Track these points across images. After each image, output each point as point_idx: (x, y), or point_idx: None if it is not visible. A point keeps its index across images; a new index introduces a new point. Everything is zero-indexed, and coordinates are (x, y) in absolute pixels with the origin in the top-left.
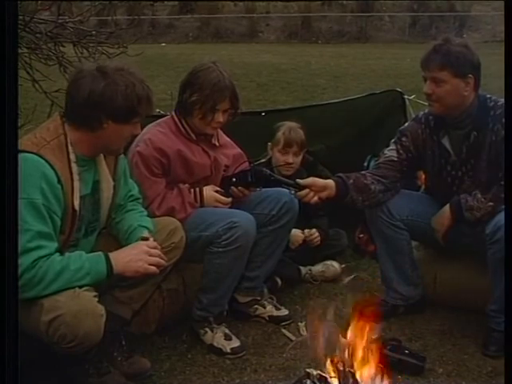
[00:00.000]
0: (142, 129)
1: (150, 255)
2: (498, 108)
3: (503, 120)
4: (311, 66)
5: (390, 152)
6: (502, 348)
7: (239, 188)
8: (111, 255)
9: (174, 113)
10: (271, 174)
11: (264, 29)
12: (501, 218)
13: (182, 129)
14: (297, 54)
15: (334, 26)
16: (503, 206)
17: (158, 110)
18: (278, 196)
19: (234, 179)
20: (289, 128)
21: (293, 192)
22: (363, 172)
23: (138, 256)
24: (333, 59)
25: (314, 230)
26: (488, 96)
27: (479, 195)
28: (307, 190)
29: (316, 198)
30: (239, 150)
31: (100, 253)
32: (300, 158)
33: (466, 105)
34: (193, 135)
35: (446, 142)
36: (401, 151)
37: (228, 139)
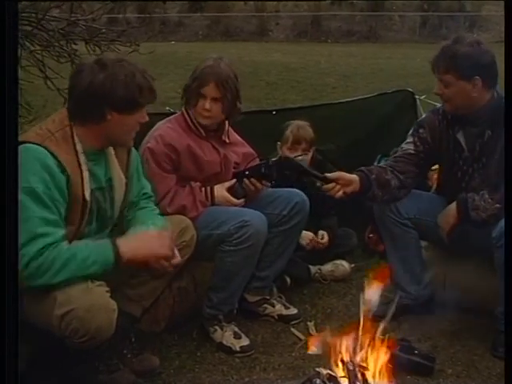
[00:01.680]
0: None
1: (161, 239)
2: None
3: None
4: (320, 65)
5: (407, 145)
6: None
7: (252, 180)
8: (119, 241)
9: (183, 109)
10: (301, 164)
11: (274, 27)
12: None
13: (192, 125)
14: (306, 53)
15: (344, 25)
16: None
17: (167, 108)
18: (289, 196)
19: (247, 172)
20: (297, 126)
21: (319, 184)
22: (383, 166)
23: (147, 241)
24: (342, 58)
25: (324, 234)
26: None
27: (487, 195)
28: (333, 184)
29: (341, 193)
30: (250, 149)
31: (107, 239)
32: (310, 155)
33: (480, 104)
34: (202, 131)
35: (460, 136)
36: (418, 143)
37: (239, 138)
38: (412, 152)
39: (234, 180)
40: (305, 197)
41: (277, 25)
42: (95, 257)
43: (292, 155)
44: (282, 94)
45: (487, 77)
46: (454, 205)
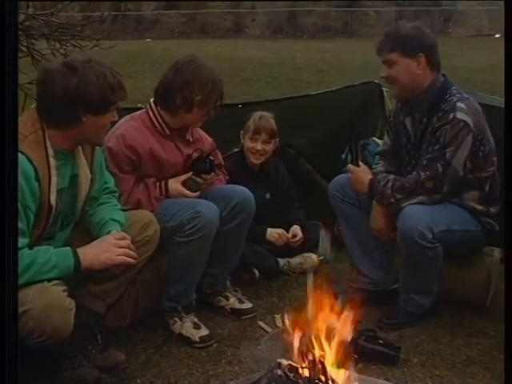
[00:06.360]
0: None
1: (119, 246)
2: (452, 96)
3: (447, 107)
4: (296, 60)
5: (383, 146)
6: (397, 323)
7: (192, 177)
8: (79, 250)
9: (150, 106)
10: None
11: (250, 24)
12: (407, 209)
13: (157, 124)
14: (282, 48)
15: (320, 20)
16: (411, 200)
17: (139, 105)
18: (229, 196)
19: (188, 170)
20: (259, 115)
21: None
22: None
23: (104, 248)
24: (317, 54)
25: (297, 229)
26: (454, 87)
27: (390, 183)
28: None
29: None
30: (208, 144)
31: (68, 248)
32: (270, 146)
33: (423, 86)
34: (167, 130)
35: (408, 122)
36: (391, 137)
37: (201, 132)
38: (387, 149)
39: (190, 173)
40: (247, 195)
41: (253, 21)
42: (55, 263)
43: (253, 145)
44: (257, 89)
45: (430, 56)
46: (368, 181)
